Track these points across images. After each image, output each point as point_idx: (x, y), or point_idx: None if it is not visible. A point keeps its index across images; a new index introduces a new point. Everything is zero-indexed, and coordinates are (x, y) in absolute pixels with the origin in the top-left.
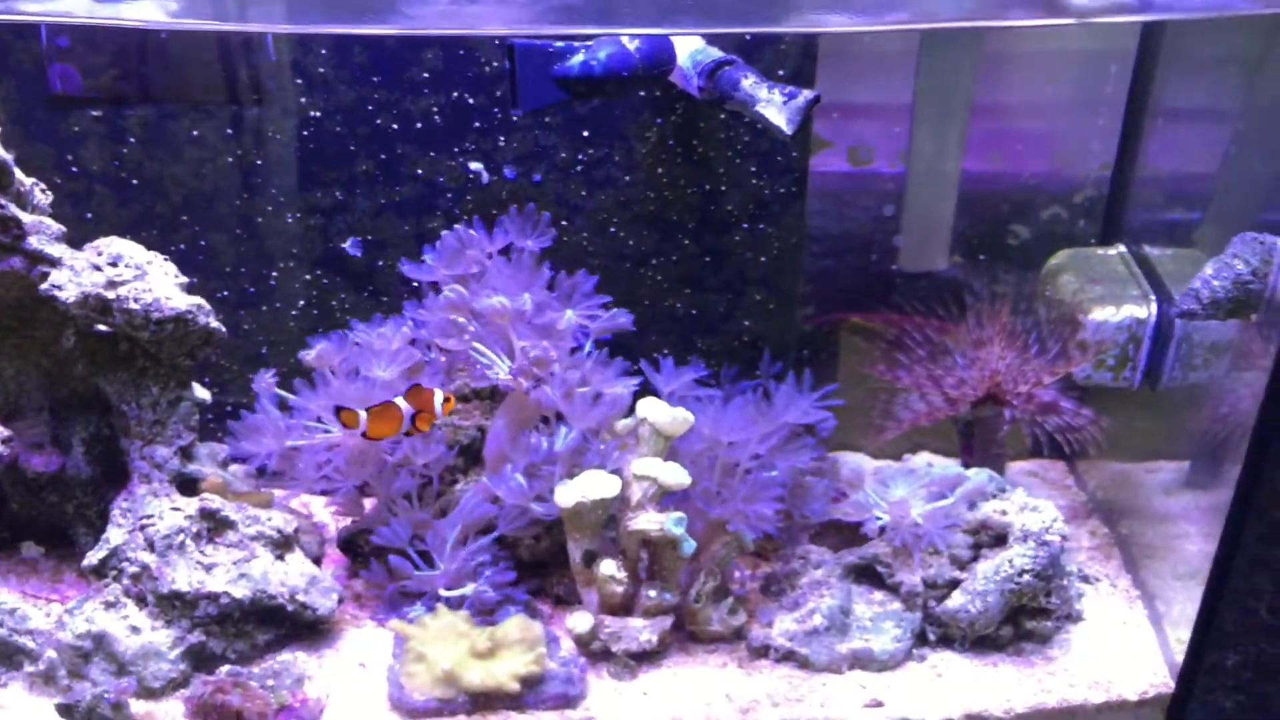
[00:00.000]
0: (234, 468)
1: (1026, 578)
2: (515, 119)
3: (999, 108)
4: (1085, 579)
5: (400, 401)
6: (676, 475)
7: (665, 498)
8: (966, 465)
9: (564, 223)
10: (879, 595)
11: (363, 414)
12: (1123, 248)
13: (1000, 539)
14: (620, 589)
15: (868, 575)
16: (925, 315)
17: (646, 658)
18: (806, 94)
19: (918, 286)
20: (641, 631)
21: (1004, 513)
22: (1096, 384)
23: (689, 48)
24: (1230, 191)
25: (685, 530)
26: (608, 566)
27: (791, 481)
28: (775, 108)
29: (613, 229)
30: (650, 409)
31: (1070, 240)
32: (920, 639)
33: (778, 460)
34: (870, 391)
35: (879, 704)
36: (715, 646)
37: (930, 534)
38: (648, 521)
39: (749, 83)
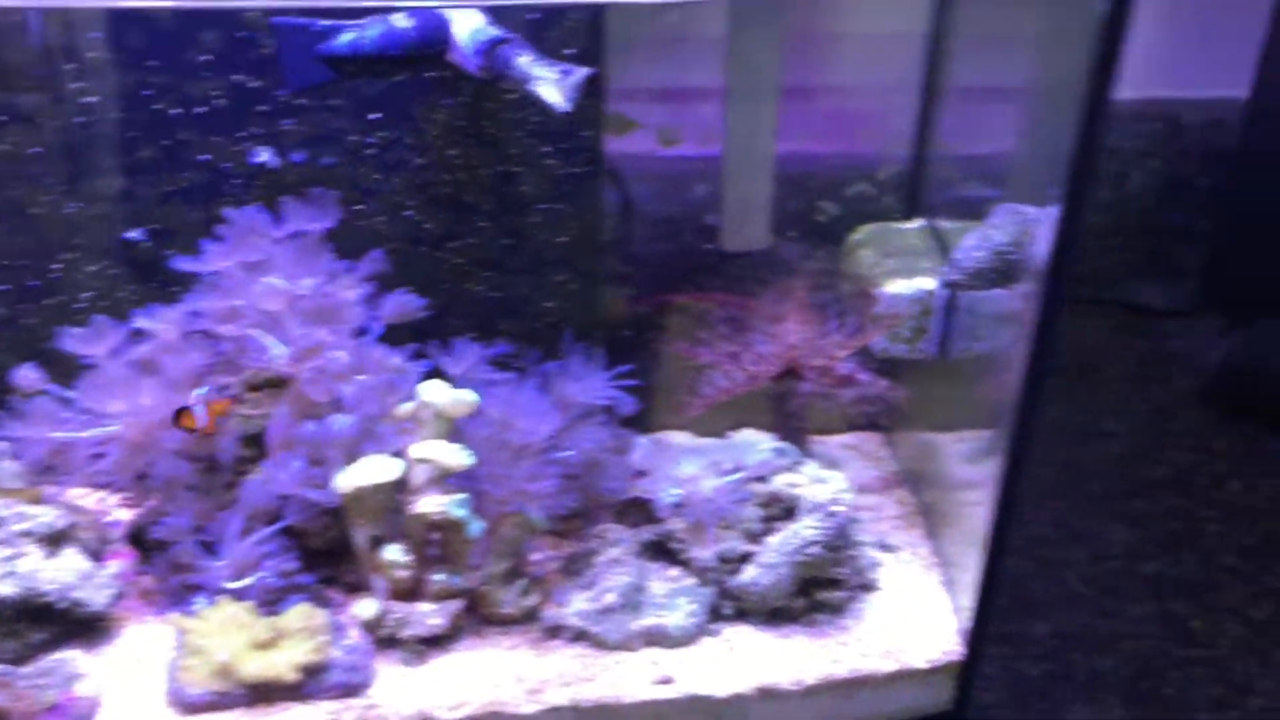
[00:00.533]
0: (4, 464)
1: (815, 549)
2: (294, 100)
3: (806, 89)
4: (886, 548)
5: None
6: (457, 457)
7: (452, 480)
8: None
9: (358, 207)
10: (674, 571)
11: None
12: (923, 222)
13: (790, 511)
14: (406, 574)
15: (663, 552)
16: (746, 294)
17: (437, 643)
18: (582, 71)
19: (740, 266)
20: (430, 616)
21: (795, 485)
22: (894, 356)
23: (470, 25)
24: (1025, 167)
25: (470, 512)
26: (392, 552)
27: (587, 461)
28: (551, 85)
29: (408, 212)
30: (431, 391)
31: (880, 217)
32: (716, 614)
33: (569, 440)
34: (687, 371)
35: (668, 680)
36: (509, 629)
37: (722, 508)
38: (429, 504)
39: (525, 60)
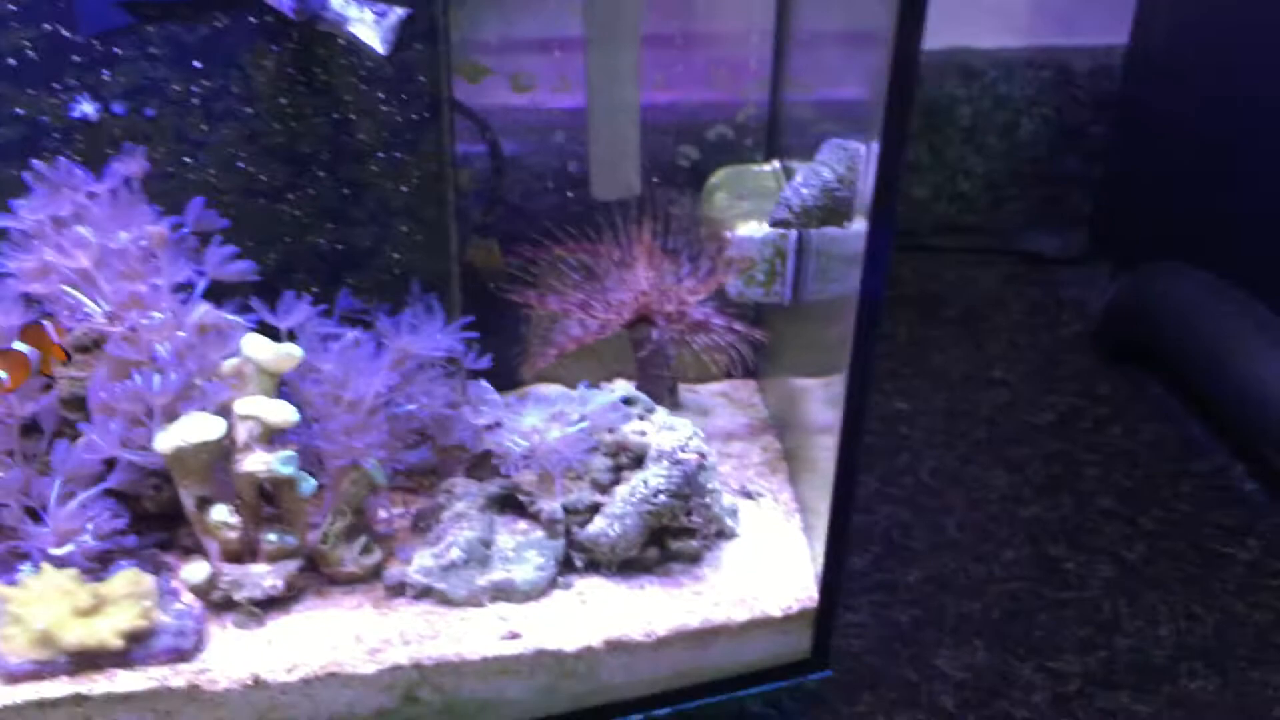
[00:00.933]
0: None
1: (662, 498)
2: (112, 50)
3: (666, 36)
4: (748, 494)
5: (20, 345)
6: (281, 413)
7: (290, 436)
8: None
9: (187, 160)
10: (523, 525)
11: None
12: (778, 164)
13: (639, 460)
14: (235, 535)
15: (511, 505)
16: (610, 243)
17: (276, 604)
18: (398, 11)
19: (610, 214)
20: (265, 577)
21: (643, 434)
22: (751, 300)
23: None
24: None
25: (299, 469)
26: (219, 512)
27: (432, 416)
28: (367, 27)
29: (241, 164)
30: (253, 346)
31: (739, 161)
32: (568, 566)
33: (410, 394)
34: (544, 321)
35: (516, 636)
36: (353, 588)
37: (566, 458)
38: (255, 462)
39: (339, 2)
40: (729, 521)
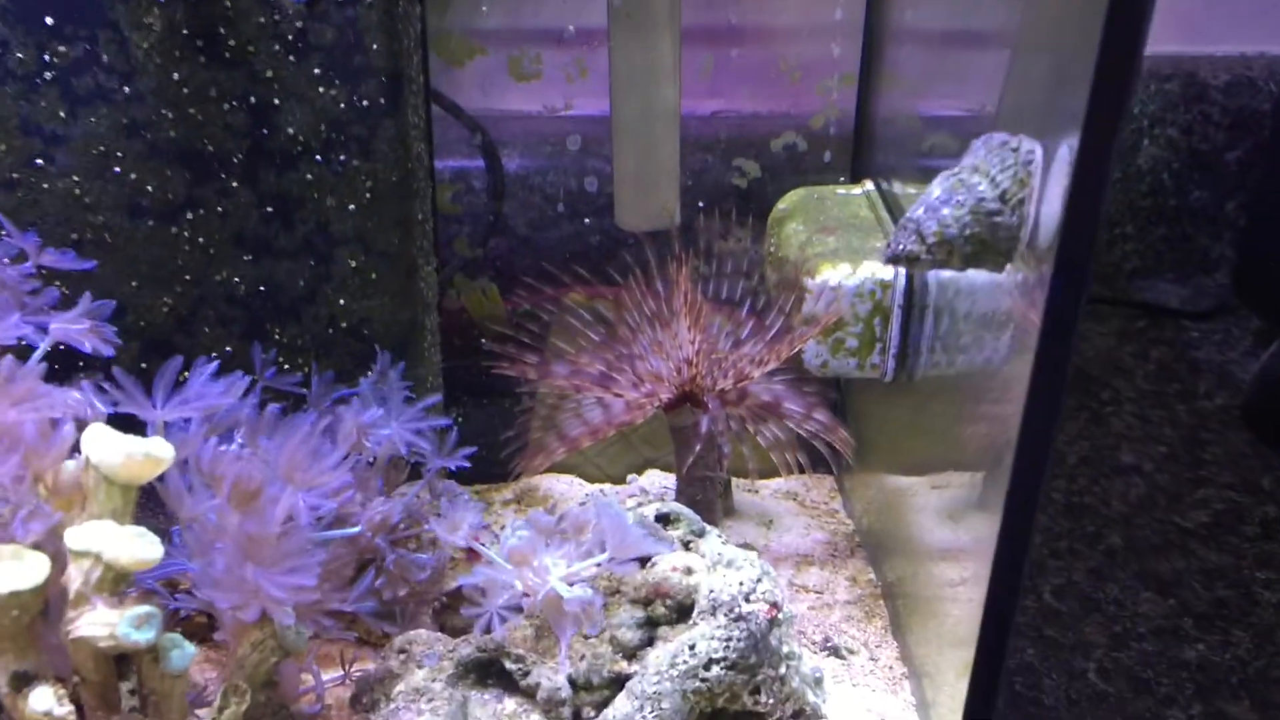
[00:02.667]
0: None
1: (716, 670)
2: None
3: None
4: (834, 651)
5: None
6: (134, 548)
7: (147, 579)
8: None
9: (38, 161)
10: (511, 705)
11: None
12: (870, 185)
13: (683, 611)
14: None
15: (495, 674)
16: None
17: None
18: None
19: (639, 248)
20: None
21: (689, 570)
22: (838, 373)
23: None
24: (1009, 117)
25: (159, 632)
26: (41, 698)
27: (388, 537)
28: None
29: (117, 168)
30: (96, 443)
31: (816, 179)
32: None
33: (358, 508)
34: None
35: None
36: None
37: (579, 607)
38: (94, 624)
39: None
40: (811, 697)
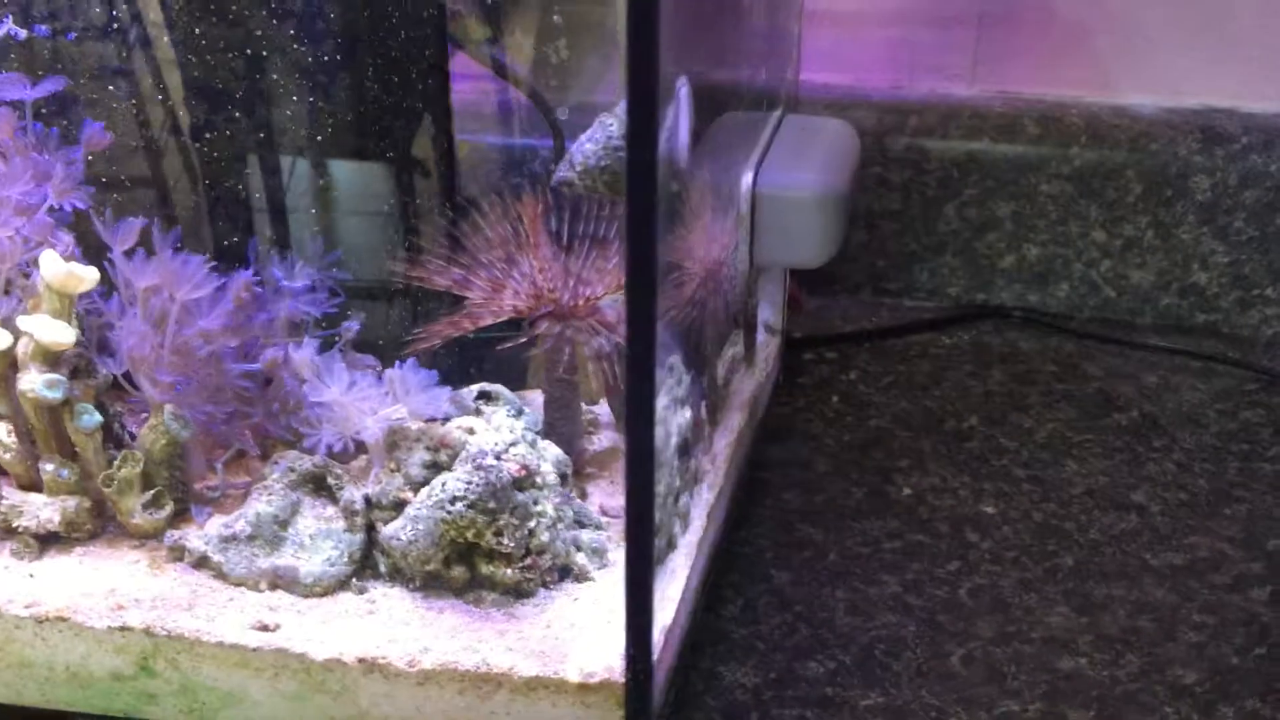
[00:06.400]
0: None
1: (459, 506)
2: None
3: None
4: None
5: None
6: (55, 333)
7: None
8: None
9: (110, 88)
10: (330, 511)
11: None
12: None
13: (454, 460)
14: (9, 456)
15: (325, 487)
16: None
17: (60, 542)
18: None
19: None
20: (42, 509)
21: (471, 430)
22: None
23: None
24: None
25: (66, 394)
26: None
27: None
28: None
29: (160, 96)
30: (44, 262)
31: None
32: (369, 569)
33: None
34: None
35: (266, 628)
36: (144, 543)
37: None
38: (25, 382)
39: None
40: (581, 559)
